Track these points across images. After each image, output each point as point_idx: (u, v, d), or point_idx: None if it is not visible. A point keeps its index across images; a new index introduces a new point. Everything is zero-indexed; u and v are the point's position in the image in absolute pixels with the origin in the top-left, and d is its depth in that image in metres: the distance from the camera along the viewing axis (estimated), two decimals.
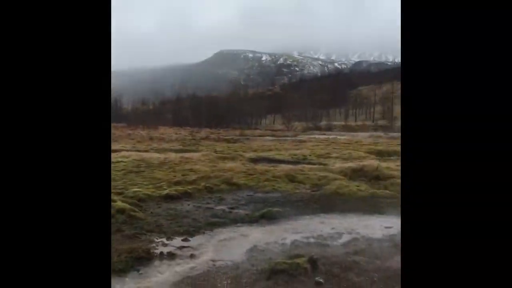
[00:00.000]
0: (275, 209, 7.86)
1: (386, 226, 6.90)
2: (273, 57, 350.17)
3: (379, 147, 25.23)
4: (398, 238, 5.97)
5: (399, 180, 11.09)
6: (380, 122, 71.26)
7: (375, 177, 11.68)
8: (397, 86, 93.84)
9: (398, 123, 67.04)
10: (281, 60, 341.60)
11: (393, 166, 13.74)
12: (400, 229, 6.67)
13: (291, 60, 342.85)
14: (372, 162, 13.81)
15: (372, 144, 28.68)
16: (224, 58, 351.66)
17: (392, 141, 34.22)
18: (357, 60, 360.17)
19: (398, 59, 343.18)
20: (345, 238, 6.18)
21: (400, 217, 7.15)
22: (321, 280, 4.43)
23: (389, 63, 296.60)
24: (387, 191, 10.00)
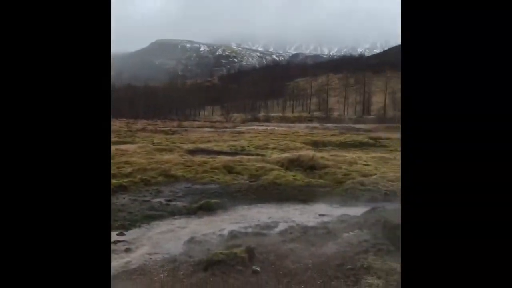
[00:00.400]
0: (213, 200, 7.88)
1: (320, 214, 7.16)
2: (211, 47, 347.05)
3: (315, 138, 25.99)
4: (331, 225, 6.22)
5: (333, 170, 11.53)
6: (316, 114, 73.19)
7: (310, 167, 12.02)
8: (332, 78, 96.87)
9: (333, 114, 69.25)
10: (219, 51, 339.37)
11: (328, 156, 14.24)
12: (332, 217, 6.91)
13: (229, 51, 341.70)
14: (308, 153, 14.22)
15: (308, 135, 29.47)
16: (161, 47, 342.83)
17: (327, 131, 35.39)
18: (294, 52, 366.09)
19: (333, 51, 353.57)
20: (281, 226, 6.33)
21: (333, 205, 7.36)
22: (258, 269, 4.52)
23: (324, 56, 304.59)
24: (322, 180, 10.35)
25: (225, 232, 5.99)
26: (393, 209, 6.80)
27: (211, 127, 43.88)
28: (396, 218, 5.98)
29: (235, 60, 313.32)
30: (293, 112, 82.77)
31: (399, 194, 8.96)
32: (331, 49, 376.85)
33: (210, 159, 13.57)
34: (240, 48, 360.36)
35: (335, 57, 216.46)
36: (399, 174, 10.99)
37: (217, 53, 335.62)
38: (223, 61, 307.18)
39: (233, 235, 5.85)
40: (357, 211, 7.12)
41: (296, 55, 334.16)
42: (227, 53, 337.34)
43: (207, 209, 7.35)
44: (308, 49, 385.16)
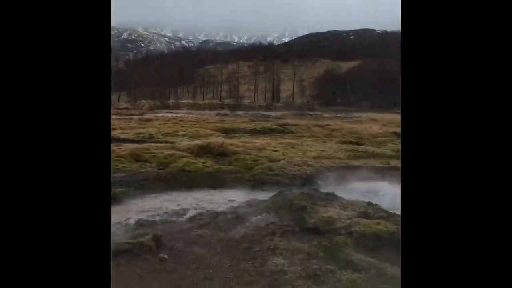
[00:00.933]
0: (119, 189, 7.59)
1: (229, 200, 7.23)
2: (116, 31, 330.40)
3: (225, 125, 26.08)
4: (240, 210, 6.31)
5: (243, 156, 11.69)
6: (227, 101, 73.49)
7: (220, 154, 12.06)
8: (242, 66, 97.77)
9: (243, 102, 70.12)
10: (125, 35, 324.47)
11: (238, 143, 14.39)
12: (241, 202, 6.99)
13: (136, 35, 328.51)
14: (218, 139, 14.21)
15: (218, 122, 29.46)
16: None
17: (238, 119, 35.73)
18: (204, 39, 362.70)
19: (243, 39, 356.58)
20: (190, 213, 6.28)
21: (242, 190, 7.44)
22: (165, 256, 4.45)
23: (234, 44, 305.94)
24: (231, 167, 10.44)
25: (131, 221, 5.80)
26: (298, 192, 7.08)
27: (117, 114, 41.80)
28: (301, 201, 6.24)
29: (142, 44, 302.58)
30: (203, 99, 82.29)
31: (304, 177, 9.38)
32: (241, 37, 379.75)
33: (116, 147, 12.96)
34: (147, 33, 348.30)
35: (245, 45, 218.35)
36: (305, 159, 11.52)
37: (122, 37, 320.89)
38: (130, 45, 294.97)
39: (139, 224, 5.69)
40: (265, 195, 7.30)
41: (206, 41, 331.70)
42: (133, 37, 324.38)
43: (113, 199, 7.05)
44: (218, 36, 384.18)
